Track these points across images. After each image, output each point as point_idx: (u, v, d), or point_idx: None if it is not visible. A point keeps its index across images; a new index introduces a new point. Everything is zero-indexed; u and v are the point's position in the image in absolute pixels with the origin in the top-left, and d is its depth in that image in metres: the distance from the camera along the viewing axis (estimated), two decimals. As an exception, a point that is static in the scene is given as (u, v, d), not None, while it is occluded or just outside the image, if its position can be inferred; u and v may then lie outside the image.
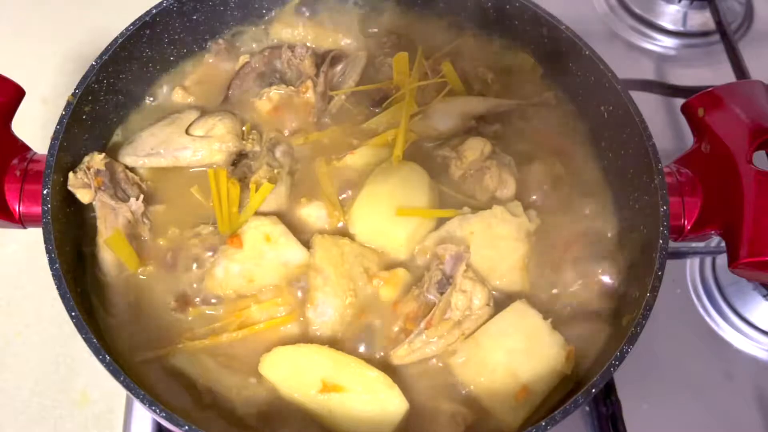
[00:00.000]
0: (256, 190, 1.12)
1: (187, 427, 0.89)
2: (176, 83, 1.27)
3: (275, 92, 1.24)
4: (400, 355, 1.04)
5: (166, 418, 0.90)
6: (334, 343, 1.05)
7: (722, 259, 1.48)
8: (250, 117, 1.24)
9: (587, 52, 1.17)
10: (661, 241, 1.02)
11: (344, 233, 1.14)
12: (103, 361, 0.93)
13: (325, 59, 1.28)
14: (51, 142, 1.05)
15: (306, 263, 1.09)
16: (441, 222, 1.14)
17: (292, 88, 1.24)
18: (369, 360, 1.03)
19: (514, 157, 1.21)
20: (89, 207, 1.11)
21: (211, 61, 1.30)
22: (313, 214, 1.15)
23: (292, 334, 1.07)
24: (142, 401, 0.90)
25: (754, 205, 1.01)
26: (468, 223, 1.12)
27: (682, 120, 1.17)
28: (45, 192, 1.02)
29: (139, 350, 1.05)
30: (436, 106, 1.23)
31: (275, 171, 1.16)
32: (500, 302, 1.08)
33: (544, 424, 0.91)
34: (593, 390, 0.94)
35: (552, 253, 1.14)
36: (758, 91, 1.12)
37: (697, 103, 1.13)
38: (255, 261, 1.09)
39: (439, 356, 1.05)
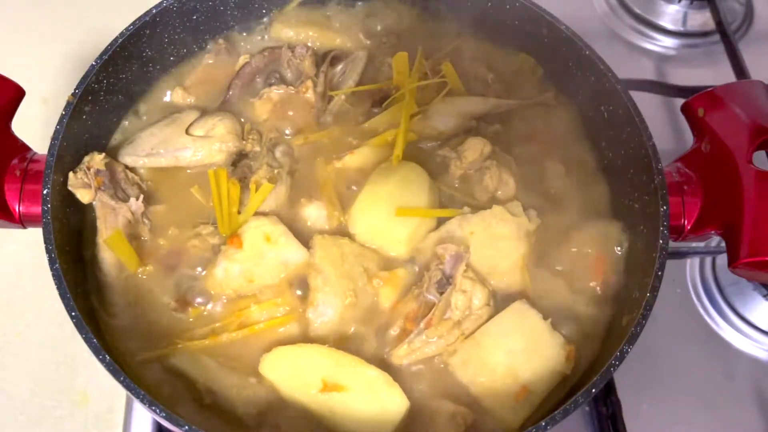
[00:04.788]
0: (256, 190, 1.13)
1: (187, 427, 0.89)
2: (176, 83, 1.27)
3: (275, 92, 1.24)
4: (400, 355, 1.04)
5: (166, 418, 0.90)
6: (334, 342, 1.05)
7: (722, 259, 1.48)
8: (250, 117, 1.24)
9: (587, 52, 1.17)
10: (661, 241, 1.02)
11: (344, 233, 1.14)
12: (103, 361, 0.93)
13: (325, 59, 1.28)
14: (51, 142, 1.05)
15: (306, 263, 1.09)
16: (441, 222, 1.14)
17: (292, 88, 1.24)
18: (369, 360, 1.03)
19: (514, 157, 1.21)
20: (89, 207, 1.11)
21: (211, 61, 1.30)
22: (313, 214, 1.15)
23: (292, 334, 1.07)
24: (142, 401, 0.90)
25: (754, 205, 1.01)
26: (468, 223, 1.12)
27: (682, 120, 1.17)
28: (45, 192, 1.02)
29: (139, 350, 1.05)
30: (436, 106, 1.23)
31: (275, 171, 1.16)
32: (500, 302, 1.08)
33: (544, 424, 0.91)
34: (593, 390, 0.94)
35: (552, 252, 1.14)
36: (758, 91, 1.12)
37: (697, 103, 1.13)
38: (255, 261, 1.09)
39: (439, 356, 1.05)
